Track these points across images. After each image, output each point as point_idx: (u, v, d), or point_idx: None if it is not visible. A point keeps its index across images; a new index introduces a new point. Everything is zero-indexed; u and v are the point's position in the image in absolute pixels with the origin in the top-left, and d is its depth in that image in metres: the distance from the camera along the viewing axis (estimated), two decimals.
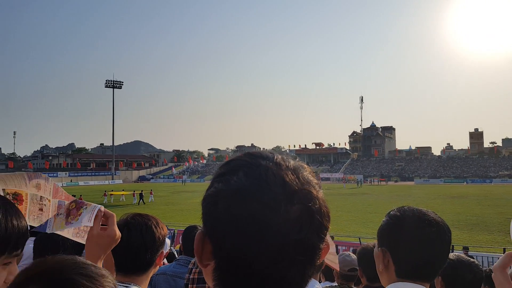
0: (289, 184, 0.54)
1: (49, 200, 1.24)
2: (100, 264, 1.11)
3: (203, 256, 0.58)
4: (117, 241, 1.17)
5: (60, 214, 1.26)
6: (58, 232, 1.25)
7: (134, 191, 40.21)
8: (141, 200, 37.16)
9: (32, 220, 1.24)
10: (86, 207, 1.20)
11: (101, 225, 1.18)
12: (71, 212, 1.23)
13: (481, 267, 1.98)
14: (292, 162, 0.59)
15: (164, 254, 1.47)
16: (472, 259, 1.99)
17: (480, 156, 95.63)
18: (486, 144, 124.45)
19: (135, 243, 1.37)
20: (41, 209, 1.24)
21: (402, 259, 1.19)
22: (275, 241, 0.52)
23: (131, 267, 1.37)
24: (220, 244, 0.55)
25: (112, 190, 45.51)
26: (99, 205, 1.19)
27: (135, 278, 1.37)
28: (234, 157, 0.61)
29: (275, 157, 0.59)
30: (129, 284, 1.34)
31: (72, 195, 1.32)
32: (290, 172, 0.56)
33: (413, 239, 1.17)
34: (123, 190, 46.29)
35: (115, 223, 1.18)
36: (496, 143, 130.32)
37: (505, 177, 71.60)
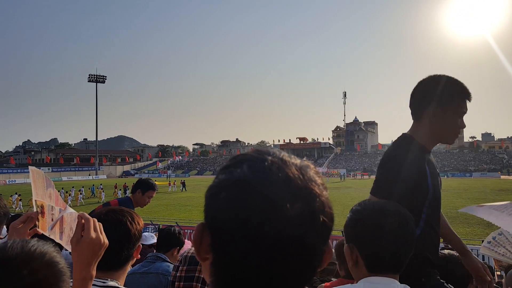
0: (293, 180, 0.53)
1: (54, 209, 1.27)
2: (92, 271, 1.06)
3: (201, 248, 0.57)
4: (102, 247, 1.09)
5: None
6: (57, 241, 1.24)
7: (169, 181, 49.61)
8: (184, 188, 44.26)
9: (51, 233, 1.27)
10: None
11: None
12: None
13: None
14: (298, 160, 0.58)
15: (141, 247, 1.45)
16: None
17: (460, 150, 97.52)
18: (466, 138, 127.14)
19: (110, 240, 1.33)
20: (52, 219, 1.27)
21: (369, 253, 1.20)
22: (273, 236, 0.51)
23: (107, 264, 1.31)
24: (218, 236, 0.54)
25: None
26: (79, 212, 1.17)
27: (112, 273, 1.35)
28: (241, 153, 0.60)
29: (282, 154, 0.58)
30: (106, 279, 1.33)
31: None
32: (294, 168, 0.55)
33: (375, 231, 1.18)
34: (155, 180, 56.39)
35: (91, 228, 1.08)
36: (476, 138, 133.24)
37: (484, 170, 73.37)
